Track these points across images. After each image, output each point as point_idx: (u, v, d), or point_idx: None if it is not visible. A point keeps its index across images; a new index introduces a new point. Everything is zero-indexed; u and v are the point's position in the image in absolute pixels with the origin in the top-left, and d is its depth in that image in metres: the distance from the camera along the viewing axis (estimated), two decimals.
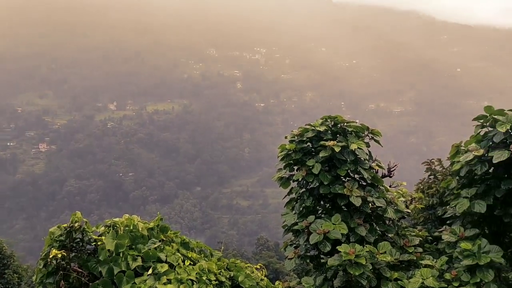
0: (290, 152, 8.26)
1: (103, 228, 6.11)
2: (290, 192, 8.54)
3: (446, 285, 6.51)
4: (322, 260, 7.77)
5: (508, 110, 7.44)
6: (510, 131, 7.07)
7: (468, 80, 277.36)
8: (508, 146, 6.92)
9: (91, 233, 5.96)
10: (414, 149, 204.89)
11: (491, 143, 7.24)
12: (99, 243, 5.92)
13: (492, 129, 7.34)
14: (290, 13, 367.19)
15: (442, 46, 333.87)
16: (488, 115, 7.49)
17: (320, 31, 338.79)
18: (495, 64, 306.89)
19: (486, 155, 7.17)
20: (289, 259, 7.66)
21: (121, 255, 5.65)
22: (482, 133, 7.61)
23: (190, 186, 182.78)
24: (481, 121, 7.60)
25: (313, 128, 8.19)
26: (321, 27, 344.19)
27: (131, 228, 5.92)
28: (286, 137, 8.57)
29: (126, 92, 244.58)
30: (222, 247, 9.02)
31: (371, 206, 7.87)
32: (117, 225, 5.91)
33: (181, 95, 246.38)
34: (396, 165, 9.28)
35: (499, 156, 6.84)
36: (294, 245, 8.06)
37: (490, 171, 7.40)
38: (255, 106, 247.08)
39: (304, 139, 8.24)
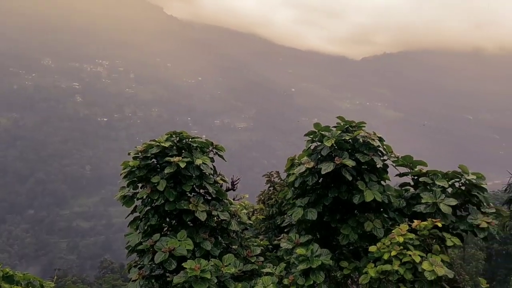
0: (133, 169, 7.98)
1: None
2: (134, 211, 8.23)
3: None
4: (168, 279, 7.61)
5: (332, 127, 8.38)
6: (334, 145, 7.95)
7: (301, 99, 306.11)
8: (333, 158, 7.76)
9: None
10: (256, 162, 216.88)
11: (319, 156, 8.03)
12: None
13: (320, 143, 8.17)
14: (134, 27, 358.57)
15: (278, 68, 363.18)
16: (316, 131, 8.33)
17: (166, 47, 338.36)
18: (322, 85, 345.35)
19: (316, 167, 7.92)
20: (133, 281, 7.33)
21: None
22: (312, 147, 8.41)
23: (20, 209, 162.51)
24: (311, 136, 8.39)
25: (158, 144, 8.07)
26: (167, 43, 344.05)
27: None
28: (129, 153, 8.26)
29: None
30: (55, 276, 8.20)
31: (216, 220, 8.03)
32: None
33: (9, 108, 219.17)
34: (239, 179, 9.67)
35: (326, 168, 7.63)
36: (139, 266, 7.76)
37: (320, 181, 8.20)
38: (97, 121, 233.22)
39: (149, 155, 8.05)
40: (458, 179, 8.08)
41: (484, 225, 7.33)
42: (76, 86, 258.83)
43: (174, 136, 8.32)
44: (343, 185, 7.89)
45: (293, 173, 8.16)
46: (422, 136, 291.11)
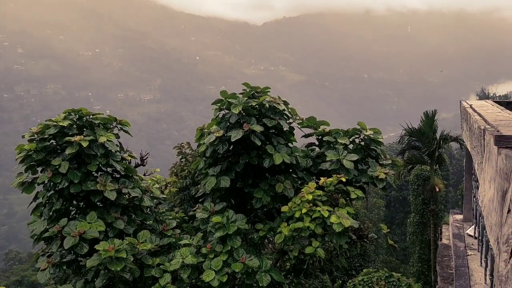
0: (30, 153, 7.41)
1: None
2: (36, 197, 7.70)
3: (203, 259, 7.03)
4: (81, 263, 7.32)
5: (239, 94, 8.42)
6: (242, 112, 8.03)
7: (206, 67, 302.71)
8: (241, 125, 7.85)
9: None
10: (166, 134, 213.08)
11: (228, 124, 8.08)
12: None
13: (228, 111, 8.20)
14: None
15: (181, 36, 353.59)
16: (223, 98, 8.32)
17: (56, 17, 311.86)
18: (226, 53, 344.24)
19: (225, 135, 7.96)
20: (41, 271, 6.92)
21: None
22: (220, 116, 8.41)
23: None
24: (219, 104, 8.38)
25: (56, 123, 7.54)
26: (57, 13, 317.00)
27: None
28: (23, 136, 7.64)
29: None
30: None
31: (127, 198, 7.81)
32: None
33: None
34: (148, 153, 9.40)
35: (235, 135, 7.71)
36: (47, 254, 7.34)
37: (230, 148, 8.28)
38: None
39: (46, 136, 7.52)
40: (357, 136, 8.66)
41: (382, 176, 7.98)
42: None
43: (72, 114, 7.83)
44: (253, 150, 8.05)
45: (204, 143, 8.14)
46: (324, 97, 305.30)
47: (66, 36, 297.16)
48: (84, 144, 7.19)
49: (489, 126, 5.18)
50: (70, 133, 7.52)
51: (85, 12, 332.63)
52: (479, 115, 6.77)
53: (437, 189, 21.67)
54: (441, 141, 20.49)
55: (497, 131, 4.59)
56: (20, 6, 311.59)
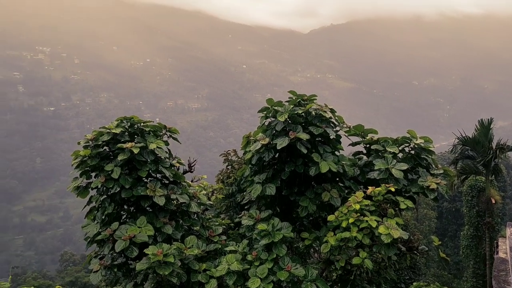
0: (85, 159, 7.73)
1: None
2: (89, 201, 8.01)
3: (248, 266, 7.04)
4: (131, 266, 7.53)
5: (285, 102, 8.42)
6: (288, 120, 8.01)
7: (253, 76, 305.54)
8: (287, 133, 7.83)
9: None
10: (213, 142, 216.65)
11: (274, 131, 8.08)
12: None
13: (274, 119, 8.20)
14: (72, 10, 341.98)
15: (228, 45, 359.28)
16: (269, 106, 8.34)
17: (109, 29, 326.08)
18: (272, 61, 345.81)
19: (271, 142, 7.96)
20: (94, 272, 7.18)
21: None
22: (266, 123, 8.44)
23: None
24: (265, 112, 8.41)
25: (109, 131, 7.83)
26: (110, 26, 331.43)
27: None
28: (79, 143, 7.99)
29: None
30: (10, 276, 7.91)
31: (175, 203, 7.96)
32: None
33: None
34: (195, 160, 9.58)
35: (281, 143, 7.69)
36: (100, 256, 7.61)
37: (276, 156, 8.27)
38: (43, 111, 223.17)
39: (100, 143, 7.82)
40: (407, 144, 8.40)
41: (433, 186, 7.67)
42: (17, 75, 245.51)
43: (125, 121, 8.10)
44: (298, 158, 7.99)
45: (250, 150, 8.18)
46: (372, 105, 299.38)
47: (118, 47, 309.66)
48: (135, 151, 7.41)
49: None
50: (122, 140, 7.79)
51: (136, 24, 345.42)
52: None
53: (493, 201, 20.65)
54: (498, 151, 19.55)
55: None
56: (76, 19, 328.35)
